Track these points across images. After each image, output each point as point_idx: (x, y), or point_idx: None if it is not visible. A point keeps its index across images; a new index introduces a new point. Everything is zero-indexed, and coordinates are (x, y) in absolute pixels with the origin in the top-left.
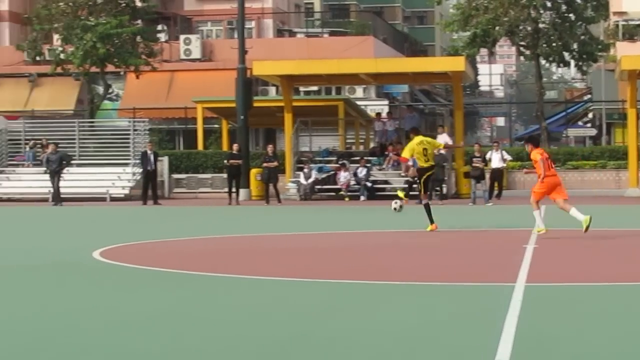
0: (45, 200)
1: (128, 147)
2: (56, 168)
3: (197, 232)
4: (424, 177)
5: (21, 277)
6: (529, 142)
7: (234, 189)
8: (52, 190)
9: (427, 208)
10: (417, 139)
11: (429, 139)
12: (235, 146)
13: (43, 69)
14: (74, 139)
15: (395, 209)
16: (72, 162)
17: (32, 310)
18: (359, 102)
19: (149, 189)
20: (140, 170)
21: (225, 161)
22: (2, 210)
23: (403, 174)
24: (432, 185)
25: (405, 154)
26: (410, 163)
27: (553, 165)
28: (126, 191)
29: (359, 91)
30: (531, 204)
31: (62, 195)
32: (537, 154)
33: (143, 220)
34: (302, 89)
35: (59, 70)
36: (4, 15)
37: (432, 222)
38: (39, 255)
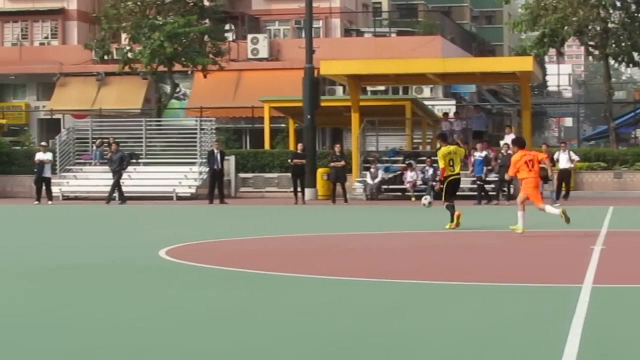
0: (112, 198)
1: (195, 146)
2: (116, 167)
3: (263, 232)
4: (447, 182)
5: (87, 275)
6: (515, 144)
7: (299, 188)
8: (112, 188)
9: (450, 208)
10: (445, 149)
11: (455, 148)
12: (299, 145)
13: (111, 68)
14: (141, 138)
15: (424, 204)
16: (140, 160)
17: (99, 308)
18: (426, 102)
19: (215, 188)
20: (207, 169)
21: (290, 160)
22: (69, 209)
23: (432, 183)
24: (499, 185)
25: (441, 164)
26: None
27: (533, 168)
28: (193, 190)
29: (426, 91)
30: (537, 207)
31: (127, 194)
32: (517, 159)
33: (209, 219)
34: (369, 88)
35: (126, 69)
36: (73, 15)
37: (452, 220)
38: (105, 253)
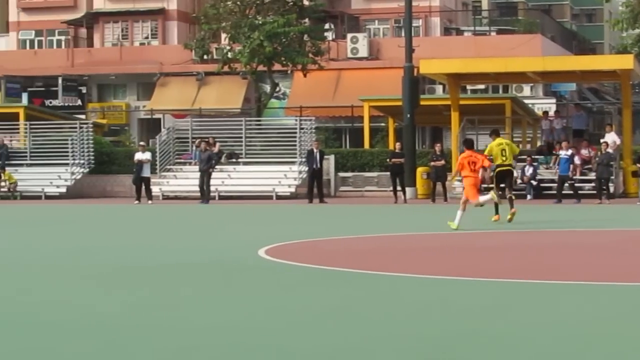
0: (212, 198)
1: (294, 145)
2: (204, 167)
3: (362, 231)
4: (497, 172)
5: (186, 275)
6: (464, 144)
7: (398, 187)
8: (205, 188)
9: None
10: (497, 140)
11: (508, 142)
12: (397, 144)
13: (210, 67)
14: (240, 138)
15: (478, 204)
16: (239, 160)
17: (197, 308)
18: (526, 101)
19: (314, 187)
20: (306, 168)
21: (388, 160)
22: (168, 208)
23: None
24: (599, 184)
25: (487, 151)
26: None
27: (475, 168)
28: (292, 189)
29: (527, 89)
30: (473, 204)
31: (227, 194)
32: (462, 157)
33: (309, 218)
34: (469, 87)
35: (226, 68)
36: (173, 15)
37: (496, 212)
38: (204, 253)
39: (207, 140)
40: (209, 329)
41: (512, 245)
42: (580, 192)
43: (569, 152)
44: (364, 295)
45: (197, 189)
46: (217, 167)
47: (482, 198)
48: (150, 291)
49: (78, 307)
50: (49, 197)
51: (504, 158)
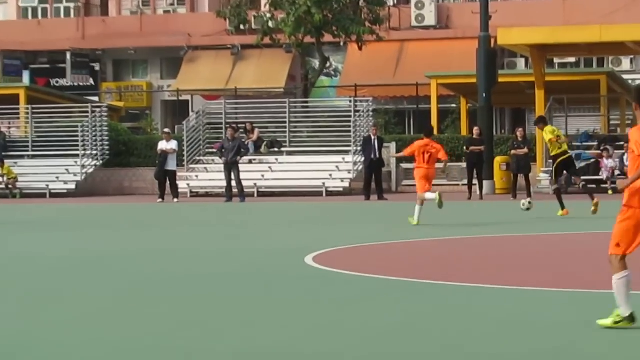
0: (250, 195)
1: (348, 131)
2: (232, 158)
3: (428, 233)
4: (556, 163)
5: (220, 287)
6: (424, 132)
7: (474, 181)
8: (237, 184)
9: (557, 193)
10: (549, 128)
11: (556, 128)
12: (475, 130)
13: (248, 39)
14: (284, 123)
15: (526, 207)
16: (283, 150)
17: (234, 328)
18: (625, 76)
19: (372, 181)
20: (363, 159)
21: (465, 148)
22: (198, 207)
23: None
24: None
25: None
26: None
27: (429, 159)
28: (346, 184)
29: (626, 63)
30: (418, 196)
31: (268, 189)
32: (418, 146)
33: (365, 218)
34: (556, 60)
35: (267, 41)
36: None
37: (562, 207)
38: (240, 261)
39: (234, 126)
40: (249, 355)
41: (602, 249)
42: None
43: None
44: (431, 309)
45: (233, 184)
46: (256, 157)
47: (428, 195)
48: (176, 307)
49: (92, 331)
50: (54, 195)
51: (558, 145)
